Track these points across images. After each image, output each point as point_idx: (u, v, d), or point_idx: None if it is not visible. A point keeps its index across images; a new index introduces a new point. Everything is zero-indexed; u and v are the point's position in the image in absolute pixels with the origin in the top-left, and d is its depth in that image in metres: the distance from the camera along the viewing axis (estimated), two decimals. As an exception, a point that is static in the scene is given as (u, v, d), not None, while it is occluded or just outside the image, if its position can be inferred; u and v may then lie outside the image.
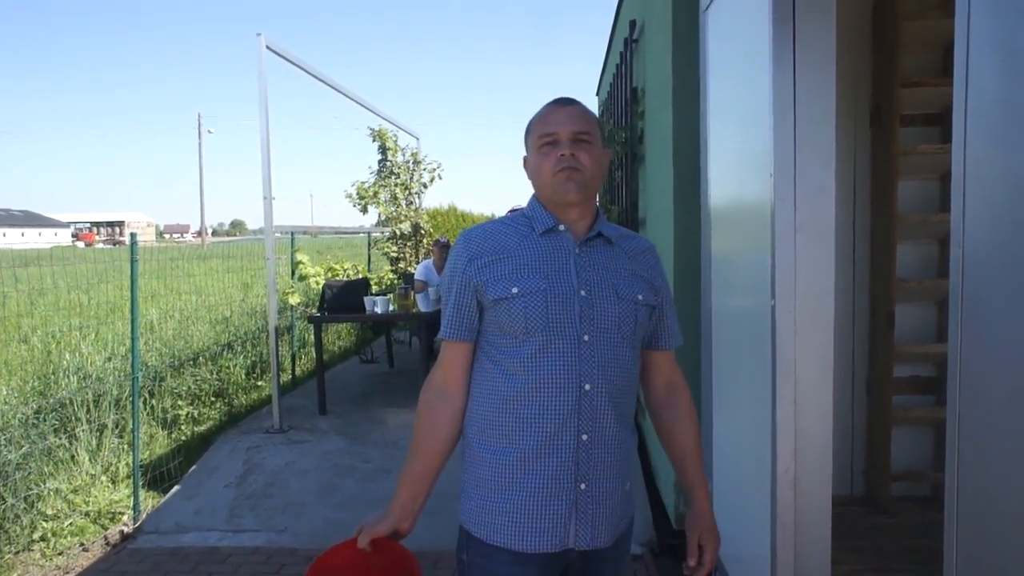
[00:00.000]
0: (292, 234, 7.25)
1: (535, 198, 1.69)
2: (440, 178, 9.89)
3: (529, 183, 1.73)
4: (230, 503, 4.37)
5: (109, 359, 6.32)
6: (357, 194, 8.96)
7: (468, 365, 1.66)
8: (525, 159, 1.72)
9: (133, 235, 4.49)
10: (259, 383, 7.22)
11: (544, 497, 1.56)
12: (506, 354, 1.58)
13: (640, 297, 1.64)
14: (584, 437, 1.56)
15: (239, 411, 6.50)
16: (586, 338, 1.56)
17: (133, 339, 4.40)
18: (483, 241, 1.63)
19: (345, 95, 7.15)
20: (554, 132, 1.60)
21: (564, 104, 1.66)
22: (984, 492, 1.39)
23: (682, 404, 1.78)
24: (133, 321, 4.38)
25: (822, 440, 2.33)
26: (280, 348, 6.41)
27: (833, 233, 2.21)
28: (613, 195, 6.97)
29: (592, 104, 10.11)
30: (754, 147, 2.45)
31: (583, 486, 1.56)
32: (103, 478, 4.70)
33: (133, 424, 4.52)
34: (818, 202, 2.20)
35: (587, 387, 1.55)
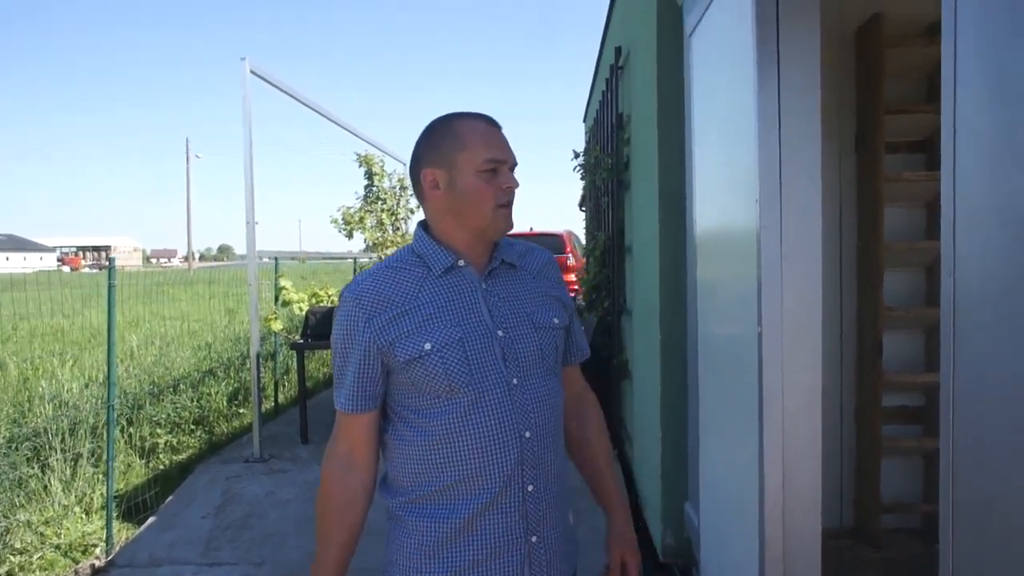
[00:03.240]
0: (276, 259, 7.19)
1: (426, 232, 1.50)
2: (427, 204, 9.83)
3: (429, 205, 1.49)
4: (207, 535, 4.25)
5: (87, 386, 6.20)
6: (343, 219, 8.91)
7: (376, 434, 1.49)
8: (427, 173, 1.45)
9: (111, 259, 4.41)
10: (241, 410, 7.11)
11: (493, 557, 1.42)
12: (428, 417, 1.41)
13: (556, 321, 1.53)
14: (530, 488, 1.44)
15: (220, 439, 6.39)
16: (515, 381, 1.42)
17: (110, 366, 4.31)
18: (377, 294, 1.43)
19: (330, 119, 7.13)
20: (503, 159, 1.44)
21: (497, 126, 1.48)
22: (979, 527, 1.33)
23: (592, 416, 1.69)
24: (109, 348, 4.29)
25: (810, 471, 2.28)
26: (263, 375, 6.31)
27: (820, 259, 2.17)
28: (599, 222, 6.96)
29: (579, 130, 10.16)
30: (739, 172, 2.42)
31: (534, 539, 1.45)
32: (76, 509, 4.57)
33: (107, 453, 4.41)
34: (805, 228, 2.17)
35: (527, 435, 1.43)
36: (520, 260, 1.55)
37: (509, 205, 1.45)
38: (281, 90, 5.94)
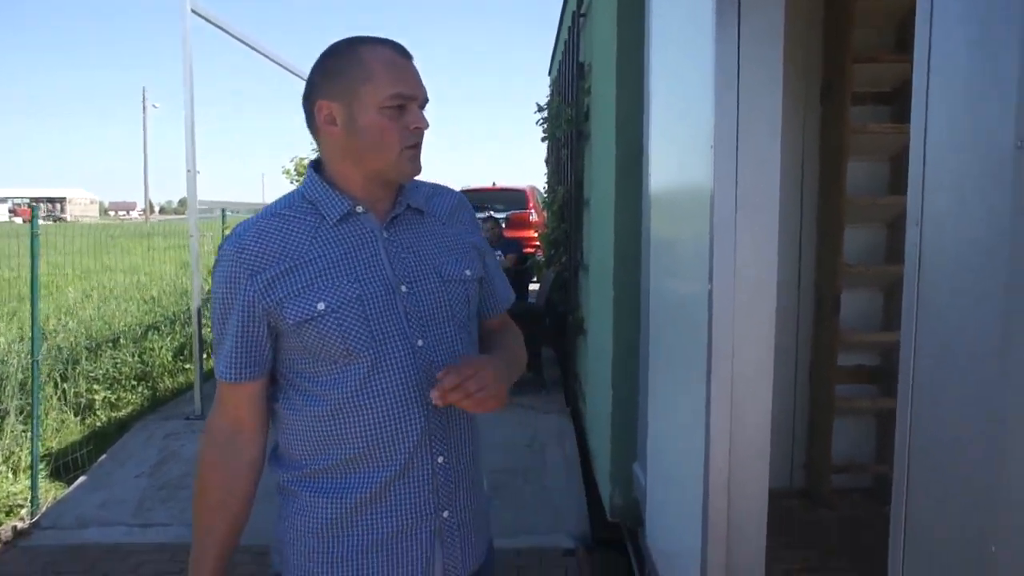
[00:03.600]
0: (223, 211, 6.91)
1: (319, 174, 1.29)
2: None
3: (321, 140, 1.28)
4: (140, 495, 4.08)
5: (21, 339, 5.92)
6: (295, 170, 8.60)
7: (263, 405, 1.31)
8: (322, 106, 1.24)
9: (34, 208, 4.13)
10: (187, 366, 6.88)
11: (400, 534, 1.27)
12: (324, 385, 1.24)
13: (468, 272, 1.35)
14: (440, 459, 1.29)
15: (164, 396, 6.17)
16: (420, 343, 1.26)
17: (33, 319, 4.06)
18: (261, 247, 1.22)
19: (276, 62, 6.79)
20: (413, 95, 1.24)
21: (408, 56, 1.28)
22: (935, 488, 1.22)
23: (512, 335, 1.52)
24: (33, 301, 4.04)
25: (760, 434, 2.16)
26: (205, 329, 6.08)
27: (777, 211, 2.02)
28: (560, 175, 6.78)
29: (543, 85, 9.89)
30: (696, 120, 2.26)
31: (446, 514, 1.30)
32: (2, 468, 4.35)
33: (32, 408, 4.18)
34: (762, 177, 2.01)
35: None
36: (427, 204, 1.36)
37: (417, 147, 1.26)
38: (221, 29, 5.61)
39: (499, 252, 7.78)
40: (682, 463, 2.47)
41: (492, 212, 9.53)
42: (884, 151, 3.26)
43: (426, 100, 1.27)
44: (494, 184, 14.03)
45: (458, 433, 1.32)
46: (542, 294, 6.54)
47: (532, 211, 12.34)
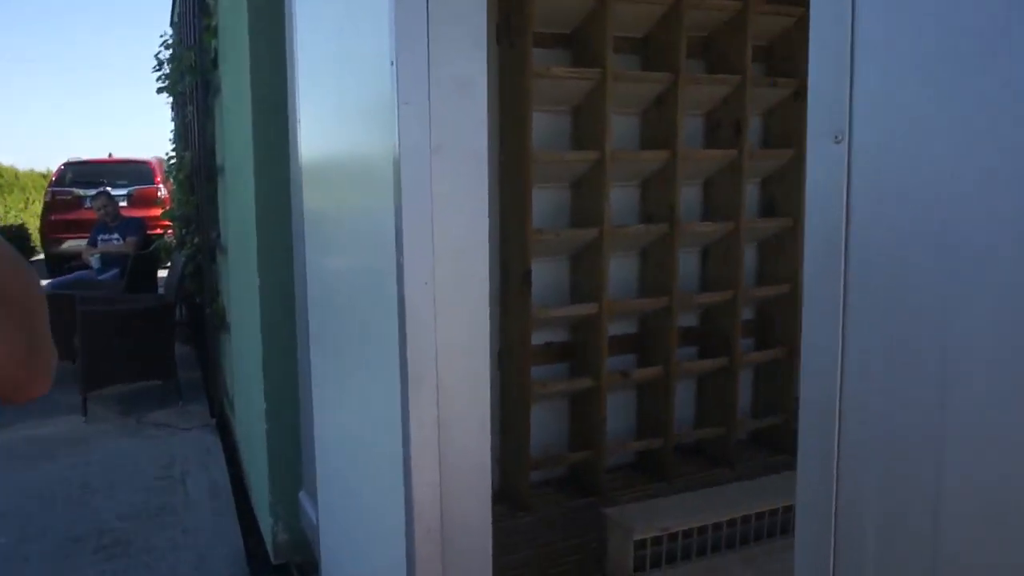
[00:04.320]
0: None
1: None
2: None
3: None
4: None
5: None
6: None
7: None
8: None
9: None
10: None
11: None
12: None
13: None
14: None
15: None
16: None
17: None
18: None
19: None
20: None
21: None
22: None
23: None
24: None
25: (478, 448, 1.61)
26: None
27: (486, 153, 1.45)
28: (187, 138, 5.63)
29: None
30: (364, 38, 1.61)
31: None
32: None
33: None
34: (464, 102, 1.42)
35: None
36: None
37: None
38: None
39: (115, 236, 6.38)
40: (369, 488, 1.84)
41: (108, 187, 7.97)
42: (566, 101, 2.90)
43: None
44: (110, 155, 11.93)
45: None
46: (171, 284, 5.40)
47: (160, 186, 10.67)
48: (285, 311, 2.64)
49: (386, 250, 1.45)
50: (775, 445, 3.30)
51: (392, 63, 1.39)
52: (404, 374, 1.42)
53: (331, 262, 2.04)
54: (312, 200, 2.18)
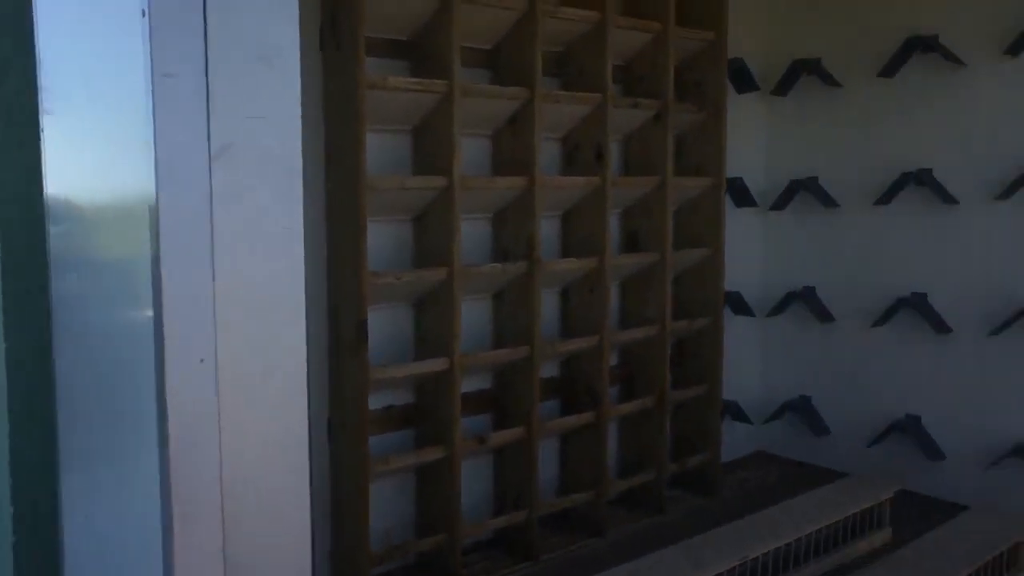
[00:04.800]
0: None
1: None
2: None
3: None
4: None
5: None
6: None
7: None
8: None
9: None
10: None
11: None
12: None
13: None
14: None
15: None
16: None
17: None
18: None
19: None
20: None
21: None
22: None
23: None
24: None
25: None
26: None
27: (300, 158, 0.96)
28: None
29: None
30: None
31: None
32: None
33: None
34: (267, 79, 0.93)
35: None
36: None
37: None
38: None
39: None
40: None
41: None
42: (406, 119, 2.45)
43: None
44: None
45: None
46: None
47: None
48: (38, 367, 1.98)
49: (135, 295, 0.92)
50: (648, 506, 2.96)
51: (144, 12, 0.88)
52: (167, 507, 0.89)
53: (76, 309, 1.45)
54: (58, 237, 1.58)
